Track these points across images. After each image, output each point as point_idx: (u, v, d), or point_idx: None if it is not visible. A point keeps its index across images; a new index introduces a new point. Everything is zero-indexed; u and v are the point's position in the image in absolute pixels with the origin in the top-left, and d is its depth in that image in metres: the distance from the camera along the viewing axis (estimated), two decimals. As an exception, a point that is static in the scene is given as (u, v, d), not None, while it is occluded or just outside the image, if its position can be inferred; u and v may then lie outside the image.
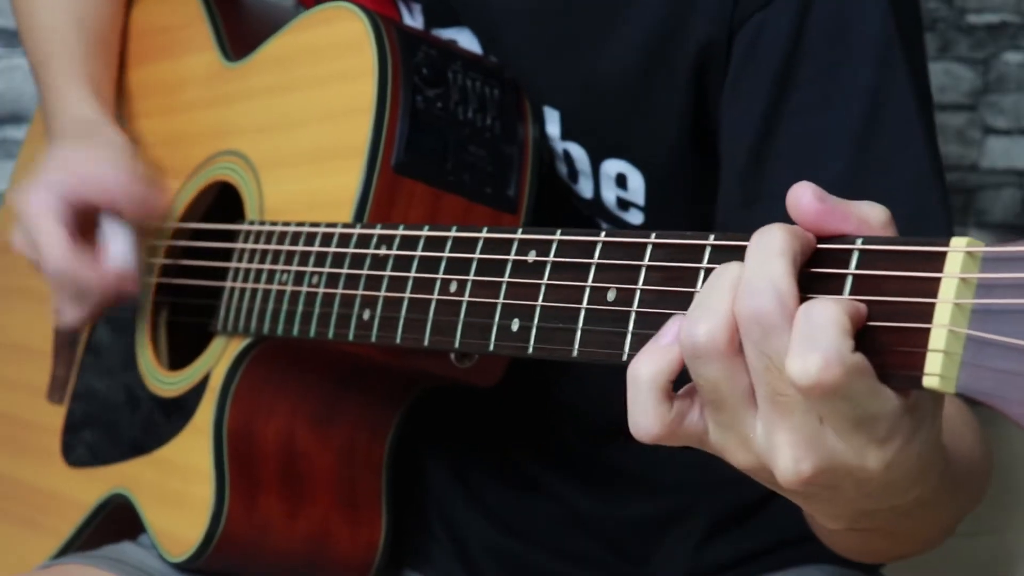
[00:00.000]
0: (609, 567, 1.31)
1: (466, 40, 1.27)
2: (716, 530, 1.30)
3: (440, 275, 0.98)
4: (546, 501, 1.32)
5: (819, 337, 0.70)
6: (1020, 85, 2.24)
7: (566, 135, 1.21)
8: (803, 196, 0.75)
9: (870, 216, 0.76)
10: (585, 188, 1.23)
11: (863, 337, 0.71)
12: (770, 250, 0.72)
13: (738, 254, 0.76)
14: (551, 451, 1.31)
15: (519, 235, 0.91)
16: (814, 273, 0.74)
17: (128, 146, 1.34)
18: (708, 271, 0.78)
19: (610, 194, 1.21)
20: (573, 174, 1.23)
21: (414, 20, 1.31)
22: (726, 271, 0.75)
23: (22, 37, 1.50)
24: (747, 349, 0.73)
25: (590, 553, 1.31)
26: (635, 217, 1.21)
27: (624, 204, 1.21)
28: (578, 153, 1.21)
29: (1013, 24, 2.24)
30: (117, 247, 1.30)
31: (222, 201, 1.34)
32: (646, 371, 0.77)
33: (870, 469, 0.74)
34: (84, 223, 1.30)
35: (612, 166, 1.20)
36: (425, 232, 1.01)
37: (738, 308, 0.73)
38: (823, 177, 1.07)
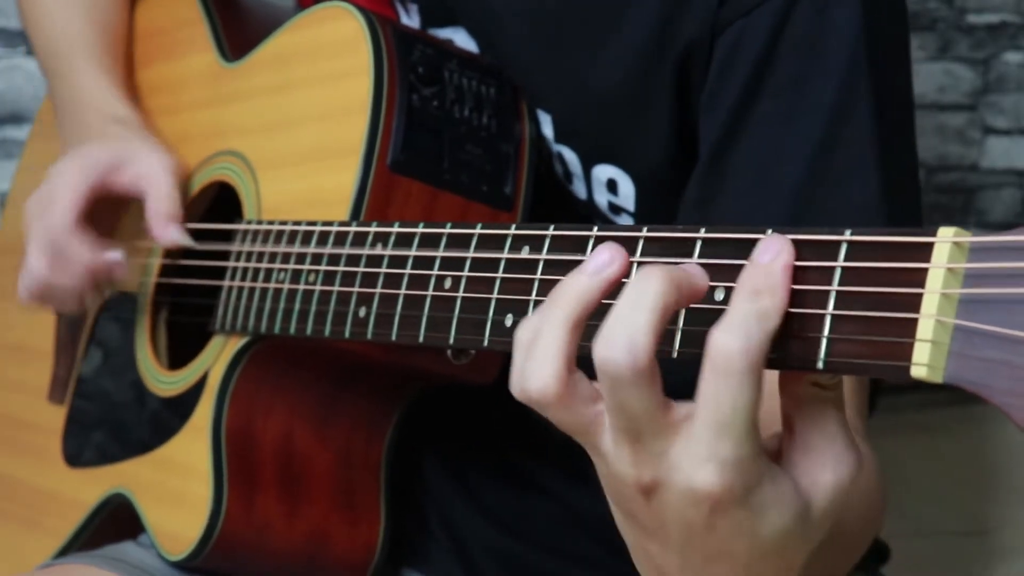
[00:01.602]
0: (608, 567, 1.31)
1: (462, 40, 1.27)
2: (715, 530, 1.29)
3: (435, 271, 0.99)
4: (545, 501, 1.32)
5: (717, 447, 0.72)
6: (1020, 85, 2.23)
7: (559, 138, 1.21)
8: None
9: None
10: (579, 190, 1.23)
11: (852, 326, 0.71)
12: (641, 302, 0.72)
13: (728, 248, 0.76)
14: (550, 450, 1.31)
15: (512, 231, 0.92)
16: (804, 267, 0.74)
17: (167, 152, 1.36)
18: (699, 265, 0.78)
19: (602, 198, 1.21)
20: (568, 175, 1.23)
21: (411, 20, 1.31)
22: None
23: (33, 39, 1.50)
24: (604, 392, 0.74)
25: (589, 553, 1.31)
26: (626, 222, 1.21)
27: (615, 209, 1.21)
28: (570, 156, 1.22)
29: (1013, 24, 2.23)
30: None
31: (221, 201, 1.34)
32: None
33: (703, 512, 0.74)
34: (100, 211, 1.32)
35: (603, 171, 1.20)
36: (420, 229, 1.02)
37: (594, 348, 0.73)
38: (777, 187, 1.08)
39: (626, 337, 0.72)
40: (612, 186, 1.20)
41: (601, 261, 0.76)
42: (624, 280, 0.75)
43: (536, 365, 0.75)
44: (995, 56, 2.24)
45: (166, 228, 1.28)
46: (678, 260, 0.80)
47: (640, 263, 0.82)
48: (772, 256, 0.73)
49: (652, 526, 0.77)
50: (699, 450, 0.72)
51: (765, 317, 0.71)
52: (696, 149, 1.15)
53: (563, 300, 0.75)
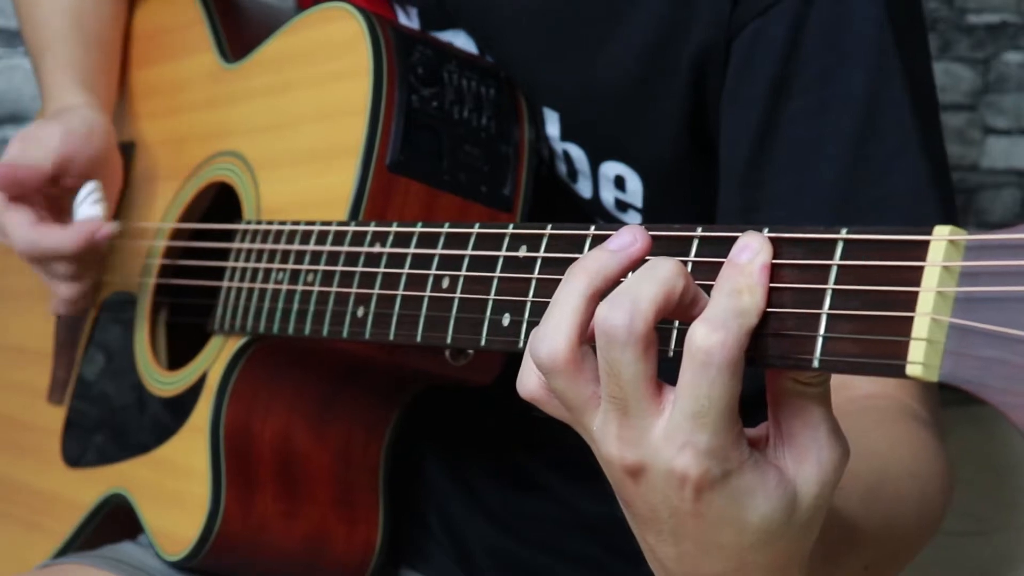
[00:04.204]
0: (609, 567, 1.31)
1: (461, 42, 1.27)
2: (715, 530, 1.29)
3: (433, 271, 0.98)
4: (545, 501, 1.32)
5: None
6: (1020, 85, 2.24)
7: (565, 136, 1.21)
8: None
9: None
10: (584, 188, 1.23)
11: (847, 325, 0.71)
12: (653, 276, 0.74)
13: (725, 246, 0.76)
14: (550, 450, 1.31)
15: (510, 230, 0.92)
16: (800, 264, 0.74)
17: (96, 121, 1.36)
18: (696, 264, 0.78)
19: (608, 195, 1.21)
20: (573, 174, 1.23)
21: (410, 22, 1.31)
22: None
23: (23, 32, 1.51)
24: (598, 350, 0.75)
25: (590, 553, 1.31)
26: (633, 219, 1.21)
27: (622, 206, 1.21)
28: (577, 154, 1.21)
29: (1013, 24, 2.23)
30: (80, 206, 1.33)
31: (221, 201, 1.34)
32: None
33: (684, 495, 0.76)
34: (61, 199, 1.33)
35: (611, 168, 1.20)
36: (418, 229, 1.02)
37: (598, 307, 0.75)
38: (818, 185, 1.07)
39: (630, 300, 0.74)
40: (620, 183, 1.20)
41: (624, 240, 0.78)
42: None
43: (550, 330, 0.77)
44: (995, 56, 2.24)
45: None
46: (676, 259, 0.80)
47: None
48: (751, 255, 0.75)
49: (646, 514, 0.78)
50: (678, 436, 0.74)
51: (744, 314, 0.73)
52: (709, 145, 1.15)
53: (583, 272, 0.77)
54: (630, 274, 0.76)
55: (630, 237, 0.78)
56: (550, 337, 0.77)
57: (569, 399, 0.78)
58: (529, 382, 0.81)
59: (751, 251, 0.74)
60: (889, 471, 0.96)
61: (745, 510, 0.75)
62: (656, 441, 0.75)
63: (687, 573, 0.79)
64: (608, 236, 0.83)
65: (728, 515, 0.76)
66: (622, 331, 0.73)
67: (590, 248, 0.86)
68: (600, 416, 0.77)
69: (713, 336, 0.72)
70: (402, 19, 1.31)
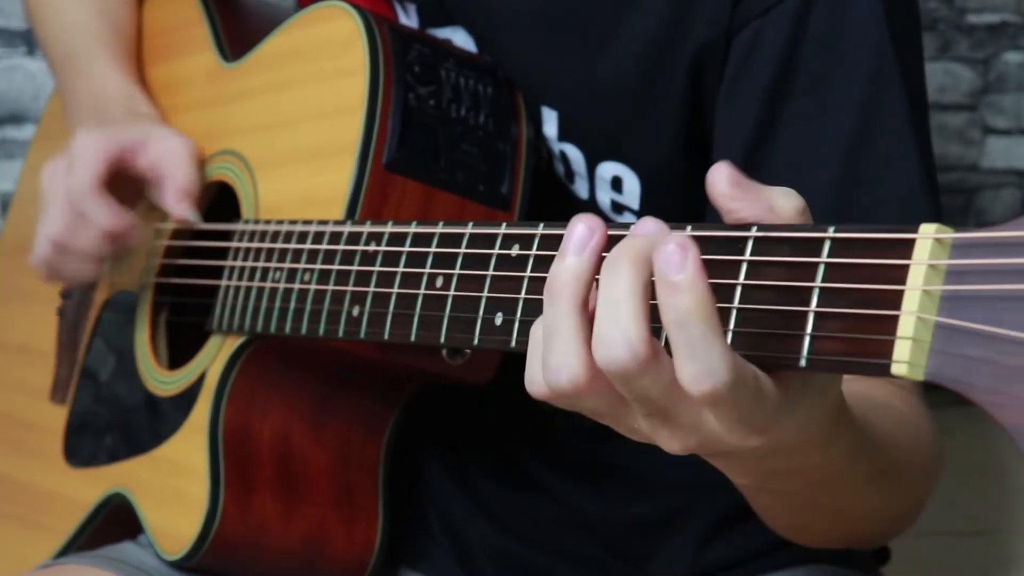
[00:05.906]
0: (609, 567, 1.31)
1: (461, 40, 1.27)
2: (716, 530, 1.29)
3: (427, 270, 0.99)
4: (545, 501, 1.32)
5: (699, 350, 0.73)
6: (1020, 85, 2.23)
7: (563, 136, 1.21)
8: (719, 179, 0.78)
9: (779, 205, 0.78)
10: (581, 189, 1.23)
11: (834, 324, 0.71)
12: (618, 295, 0.73)
13: (714, 244, 0.76)
14: (550, 450, 1.31)
15: (503, 230, 0.92)
16: (788, 262, 0.74)
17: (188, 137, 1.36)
18: (654, 219, 0.78)
19: (605, 197, 1.21)
20: (569, 175, 1.23)
21: (409, 20, 1.31)
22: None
23: (42, 36, 1.50)
24: (618, 387, 0.75)
25: (590, 553, 1.31)
26: (629, 220, 1.21)
27: (618, 207, 1.21)
28: (574, 155, 1.21)
29: (1013, 24, 2.23)
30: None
31: (221, 200, 1.34)
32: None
33: (751, 446, 0.78)
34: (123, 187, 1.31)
35: (608, 169, 1.20)
36: (413, 228, 1.02)
37: (596, 357, 0.74)
38: (815, 188, 1.07)
39: (619, 333, 0.72)
40: (617, 184, 1.20)
41: (581, 237, 0.76)
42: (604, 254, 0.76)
43: (560, 358, 0.76)
44: (995, 56, 2.23)
45: (180, 202, 1.28)
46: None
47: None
48: (677, 269, 0.72)
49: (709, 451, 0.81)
50: (724, 422, 0.76)
51: (696, 328, 0.73)
52: (706, 147, 1.15)
53: (563, 288, 0.76)
54: (599, 299, 0.74)
55: (584, 231, 0.76)
56: (564, 365, 0.76)
57: (600, 411, 0.78)
58: (537, 386, 0.80)
59: (675, 266, 0.72)
60: (880, 414, 0.97)
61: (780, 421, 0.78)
62: (712, 427, 0.76)
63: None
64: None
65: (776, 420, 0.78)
66: (632, 364, 0.73)
67: None
68: (647, 423, 0.77)
69: (705, 382, 0.72)
70: (401, 16, 1.32)
